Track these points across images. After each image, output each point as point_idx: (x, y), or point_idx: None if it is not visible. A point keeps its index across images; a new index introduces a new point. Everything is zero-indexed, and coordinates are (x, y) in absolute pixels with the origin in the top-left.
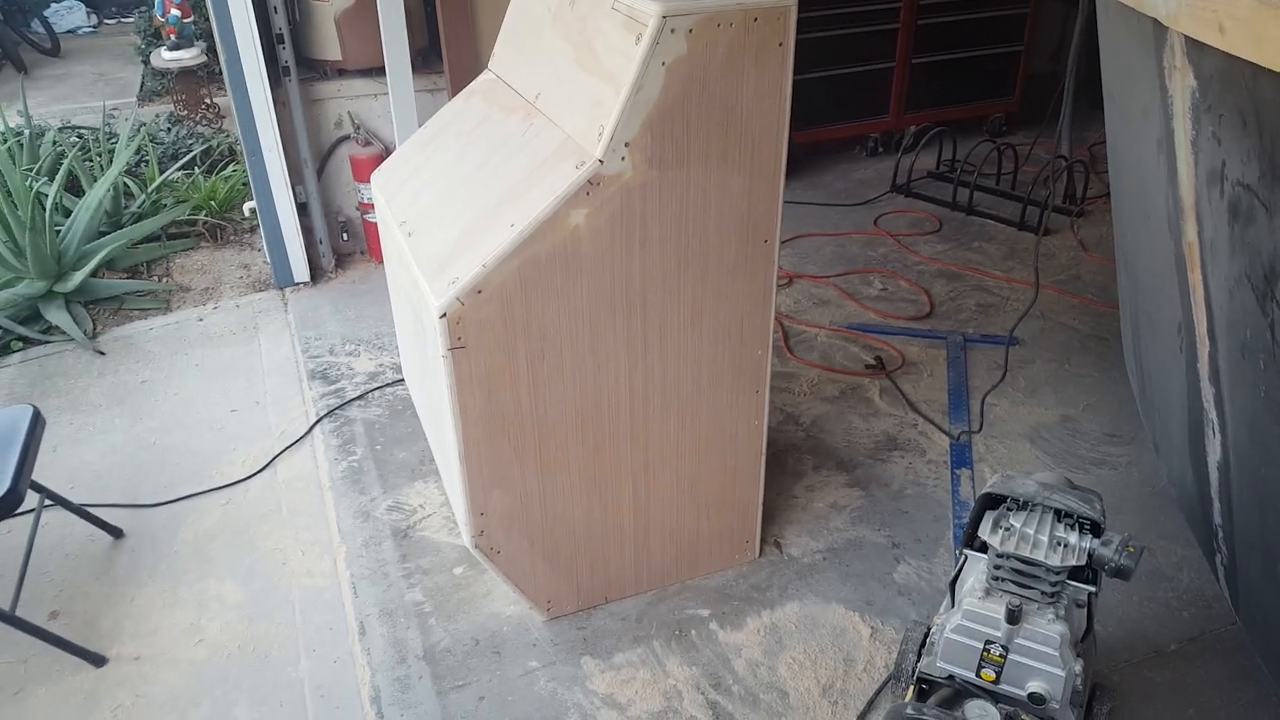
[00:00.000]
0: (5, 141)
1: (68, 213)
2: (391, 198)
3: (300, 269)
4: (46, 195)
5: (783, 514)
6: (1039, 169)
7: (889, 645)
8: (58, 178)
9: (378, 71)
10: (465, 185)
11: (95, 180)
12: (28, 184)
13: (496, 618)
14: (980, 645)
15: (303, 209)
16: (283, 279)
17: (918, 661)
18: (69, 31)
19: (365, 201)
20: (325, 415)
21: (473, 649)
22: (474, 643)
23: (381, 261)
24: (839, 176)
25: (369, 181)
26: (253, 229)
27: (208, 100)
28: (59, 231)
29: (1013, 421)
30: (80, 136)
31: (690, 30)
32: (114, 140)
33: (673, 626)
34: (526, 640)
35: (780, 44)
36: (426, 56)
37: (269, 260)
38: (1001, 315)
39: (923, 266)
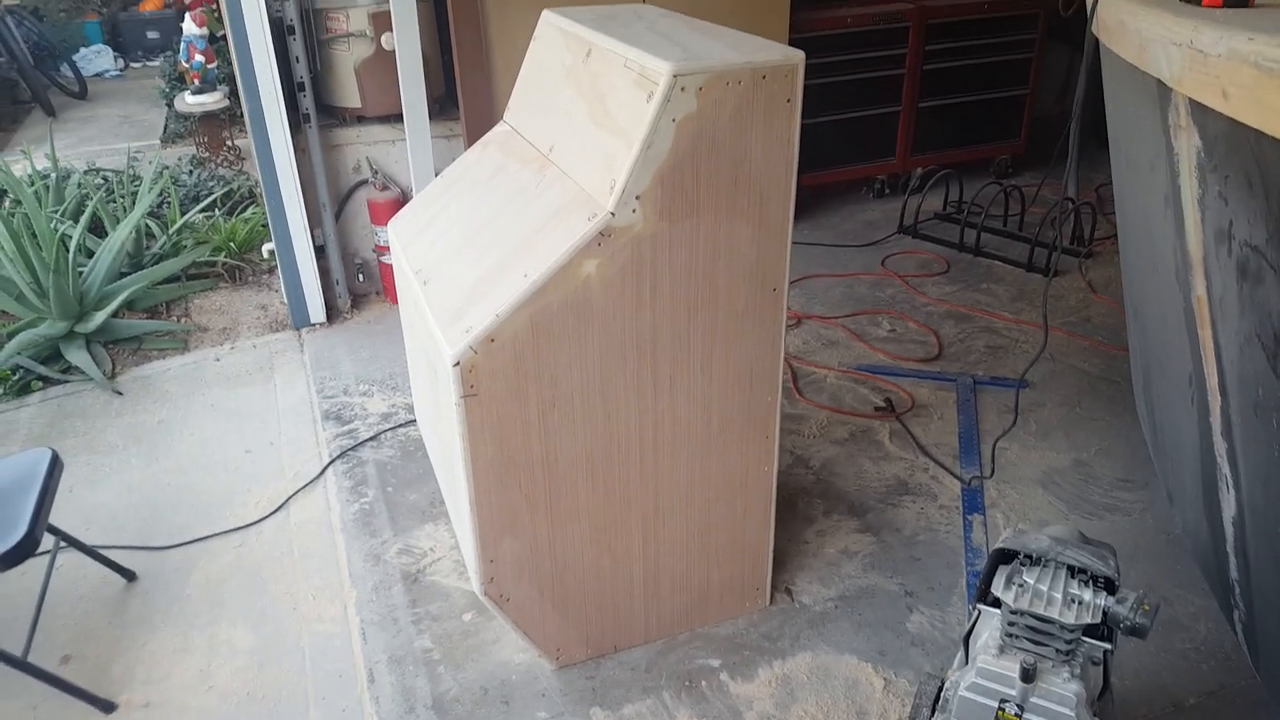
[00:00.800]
0: (32, 184)
1: (90, 253)
2: (408, 245)
3: (317, 310)
4: (70, 237)
5: (794, 560)
6: (1046, 210)
7: (903, 697)
8: (82, 220)
9: (395, 118)
10: (480, 234)
11: (118, 222)
12: (52, 226)
13: (505, 666)
14: (995, 704)
15: (320, 251)
16: (299, 320)
17: (931, 717)
18: (96, 75)
19: (381, 244)
20: (338, 456)
21: (481, 698)
22: (483, 691)
23: (396, 302)
24: (846, 218)
25: (385, 224)
26: (271, 270)
27: (229, 143)
28: (81, 273)
29: (1024, 466)
30: (105, 179)
31: (700, 88)
32: (137, 182)
33: (683, 677)
34: (535, 690)
35: (788, 100)
36: (443, 104)
37: (286, 301)
38: (1011, 357)
39: (931, 308)
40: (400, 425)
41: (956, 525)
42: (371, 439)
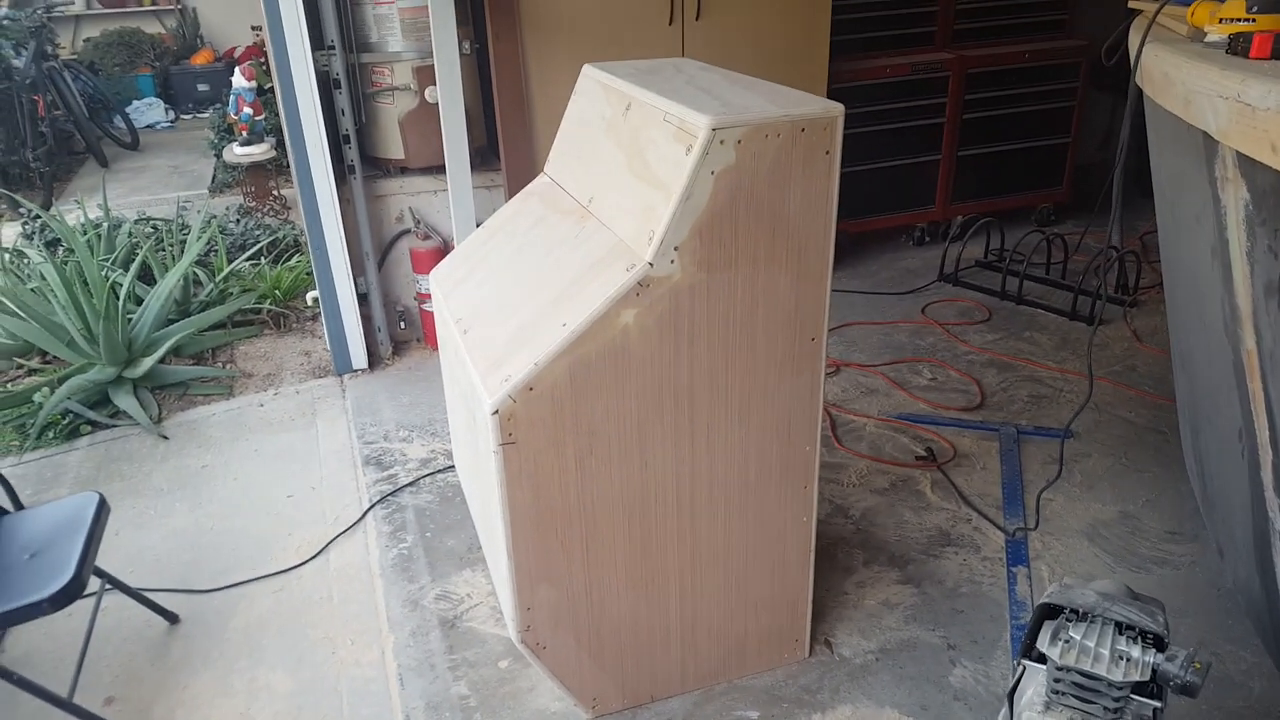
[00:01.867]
0: (85, 234)
1: (139, 301)
2: (449, 294)
3: (359, 356)
4: (121, 285)
5: (833, 611)
6: (1089, 258)
7: None
8: (132, 268)
9: (438, 169)
10: (520, 284)
11: (167, 269)
12: (103, 274)
13: (541, 714)
14: None
15: (363, 299)
16: (342, 366)
17: None
18: (148, 126)
19: (423, 292)
20: (378, 501)
21: None
22: None
23: (436, 349)
24: (885, 265)
25: (427, 273)
26: (314, 317)
27: (275, 192)
28: (130, 319)
29: (1069, 517)
30: (154, 228)
31: (739, 141)
32: (186, 231)
33: None
34: None
35: (827, 152)
36: (485, 155)
37: (329, 348)
38: (1055, 407)
39: (972, 356)
40: (439, 471)
41: (1000, 577)
42: (411, 484)
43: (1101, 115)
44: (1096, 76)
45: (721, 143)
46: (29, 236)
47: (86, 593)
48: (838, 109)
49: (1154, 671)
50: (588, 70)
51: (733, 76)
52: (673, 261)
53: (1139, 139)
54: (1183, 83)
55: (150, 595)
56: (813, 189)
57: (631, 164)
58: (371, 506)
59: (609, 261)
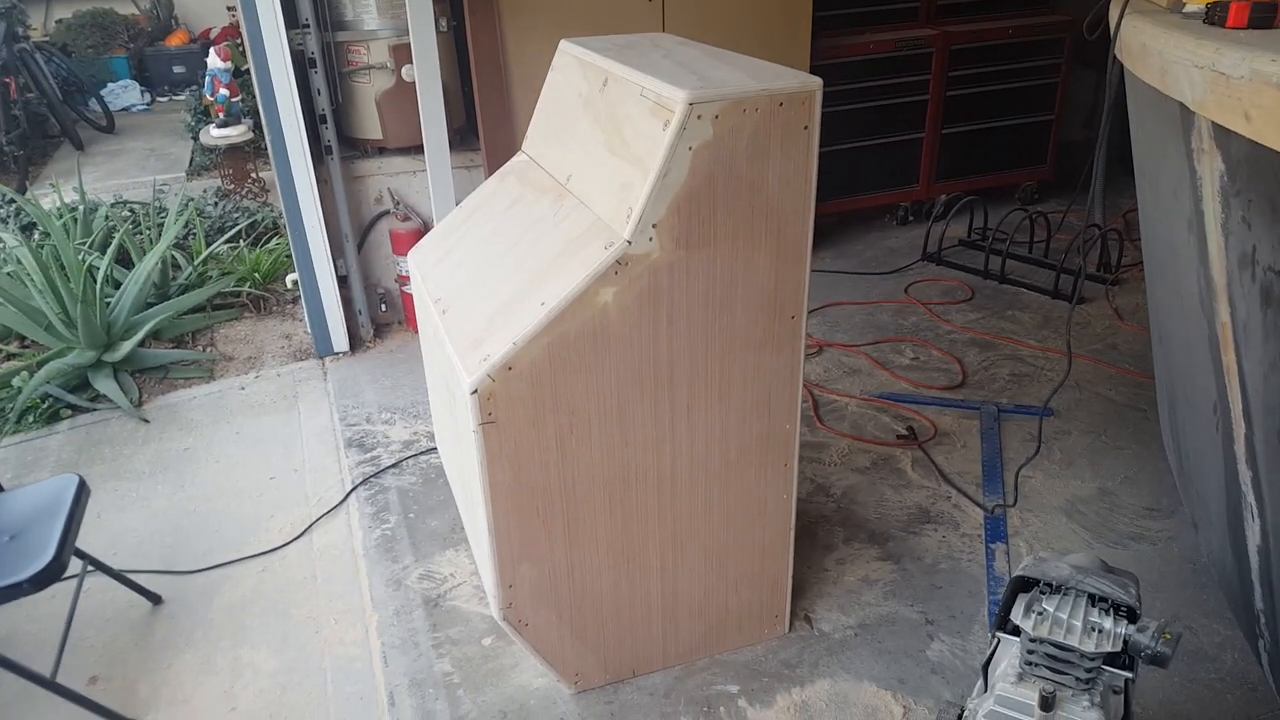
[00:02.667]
0: (61, 217)
1: (117, 284)
2: (428, 275)
3: (340, 339)
4: (98, 268)
5: (813, 587)
6: (1072, 237)
7: None
8: (109, 251)
9: (416, 150)
10: (498, 263)
11: (145, 253)
12: (80, 257)
13: (524, 690)
14: None
15: (343, 281)
16: (323, 349)
17: None
18: (124, 109)
19: (403, 274)
20: (361, 483)
21: None
22: (501, 715)
23: (418, 331)
24: (869, 245)
25: (407, 255)
26: (294, 300)
27: (253, 175)
28: (109, 303)
29: (1048, 494)
30: (131, 211)
31: (716, 116)
32: (163, 214)
33: (701, 703)
34: (554, 714)
35: (805, 127)
36: (464, 135)
37: (310, 330)
38: (1036, 385)
39: (955, 335)
40: (422, 453)
41: (979, 554)
42: (393, 466)
43: (1085, 92)
44: (1080, 52)
45: (699, 118)
46: (3, 221)
47: (68, 574)
48: (816, 83)
49: (1125, 643)
50: (564, 46)
51: (711, 51)
52: (651, 239)
53: (1121, 116)
54: (1159, 53)
55: (133, 577)
56: (791, 164)
57: (609, 141)
58: (354, 488)
59: (587, 240)
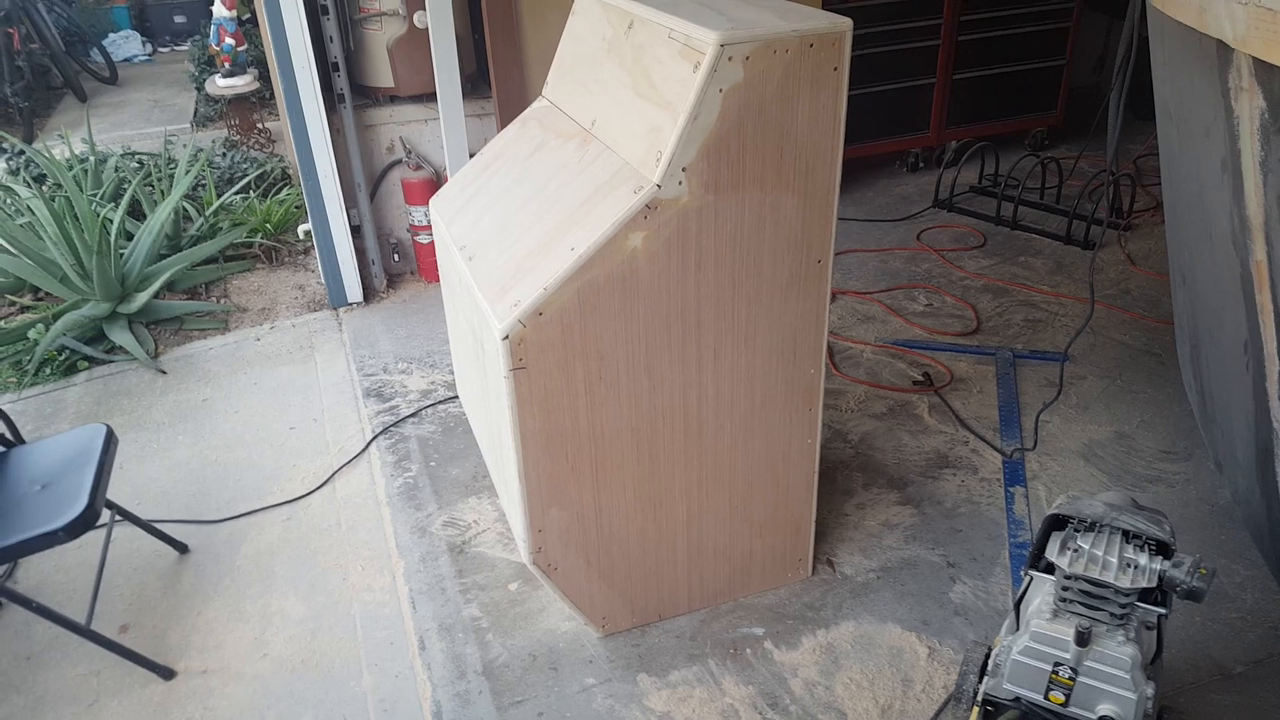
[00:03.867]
0: (72, 169)
1: (130, 236)
2: (451, 222)
3: (354, 289)
4: (111, 220)
5: (834, 532)
6: (1084, 183)
7: (947, 666)
8: (122, 203)
9: (428, 98)
10: (523, 210)
11: (156, 205)
12: (93, 209)
13: (552, 634)
14: (1049, 667)
15: (356, 231)
16: (337, 299)
17: (980, 683)
18: (125, 60)
19: (416, 224)
20: (381, 432)
21: (530, 665)
22: (531, 658)
23: (431, 281)
24: (880, 192)
25: (420, 204)
26: (306, 251)
27: (260, 125)
28: (122, 255)
29: (1065, 438)
30: (140, 163)
31: (747, 58)
32: (173, 166)
33: (727, 645)
34: (582, 656)
35: (835, 68)
36: (475, 82)
37: (323, 281)
38: (1050, 331)
39: (968, 282)
40: (440, 402)
41: (998, 497)
42: (412, 415)
43: (1096, 37)
44: None
45: (730, 59)
46: (14, 172)
47: (97, 524)
48: (846, 23)
49: (1160, 578)
50: None
51: None
52: (680, 183)
53: (1137, 60)
54: None
55: (159, 526)
56: (821, 106)
57: (636, 84)
58: (375, 437)
59: (615, 184)
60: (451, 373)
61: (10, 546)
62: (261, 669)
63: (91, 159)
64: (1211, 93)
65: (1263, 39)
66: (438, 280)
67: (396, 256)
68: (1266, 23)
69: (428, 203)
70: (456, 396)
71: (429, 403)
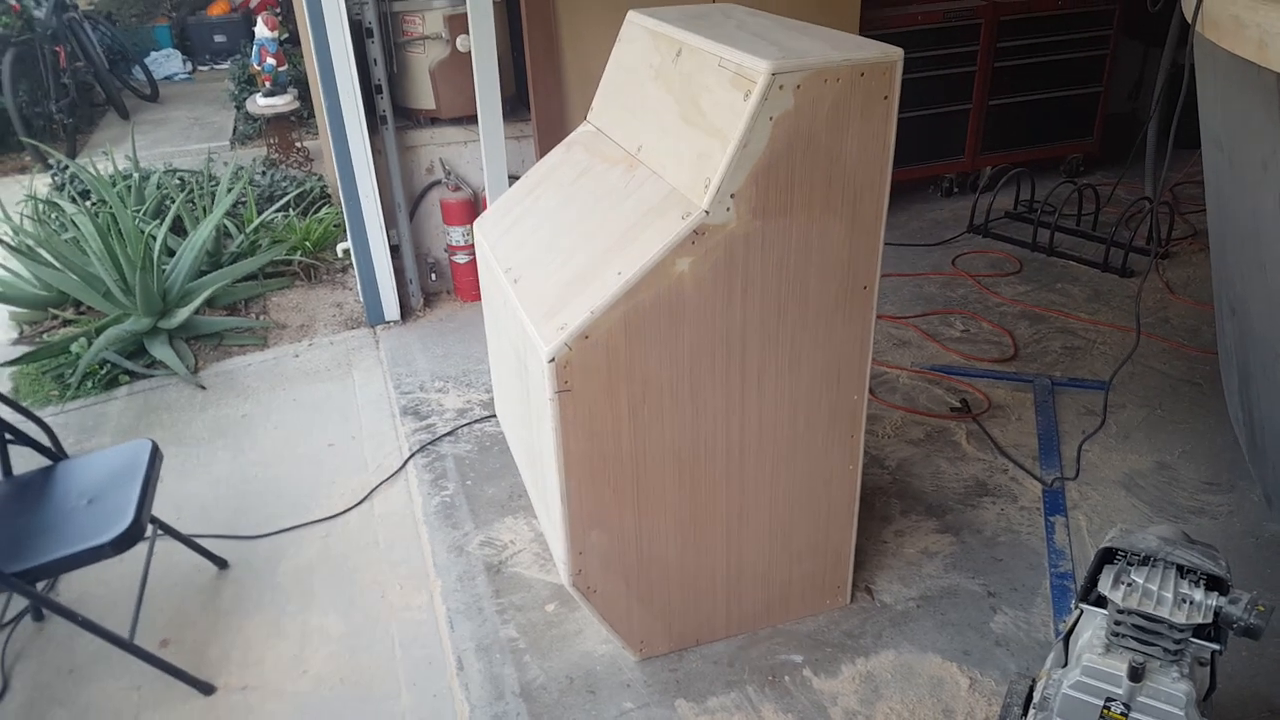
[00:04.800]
0: (115, 185)
1: (171, 253)
2: (495, 244)
3: (391, 308)
4: (155, 236)
5: (872, 559)
6: (1121, 210)
7: (989, 697)
8: (166, 219)
9: (468, 120)
10: (569, 233)
11: (197, 221)
12: (136, 224)
13: (589, 656)
14: (1100, 703)
15: (395, 250)
16: (374, 317)
17: (1025, 717)
18: (166, 78)
19: (453, 244)
20: (418, 450)
21: (568, 687)
22: (568, 681)
23: (467, 300)
24: (914, 216)
25: (458, 224)
26: (344, 269)
27: (299, 144)
28: (164, 271)
29: (1105, 468)
30: (182, 180)
31: (798, 86)
32: (214, 183)
33: (766, 671)
34: (620, 680)
35: (885, 97)
36: (514, 105)
37: (361, 299)
38: (1088, 358)
39: (1005, 308)
40: (476, 421)
41: (1038, 527)
42: (449, 434)
43: (1132, 64)
44: (1128, 24)
45: (781, 88)
46: (59, 188)
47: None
48: (896, 53)
49: (1216, 614)
50: (633, 16)
51: (783, 21)
52: (729, 209)
53: (1173, 87)
54: (1257, 25)
55: (199, 541)
56: (870, 135)
57: (684, 111)
58: (412, 455)
59: (663, 210)
60: (488, 392)
61: (58, 560)
62: (301, 686)
63: (135, 175)
64: (1271, 126)
65: None
66: (474, 299)
67: (434, 276)
68: None
69: (466, 223)
70: (493, 416)
71: (465, 421)
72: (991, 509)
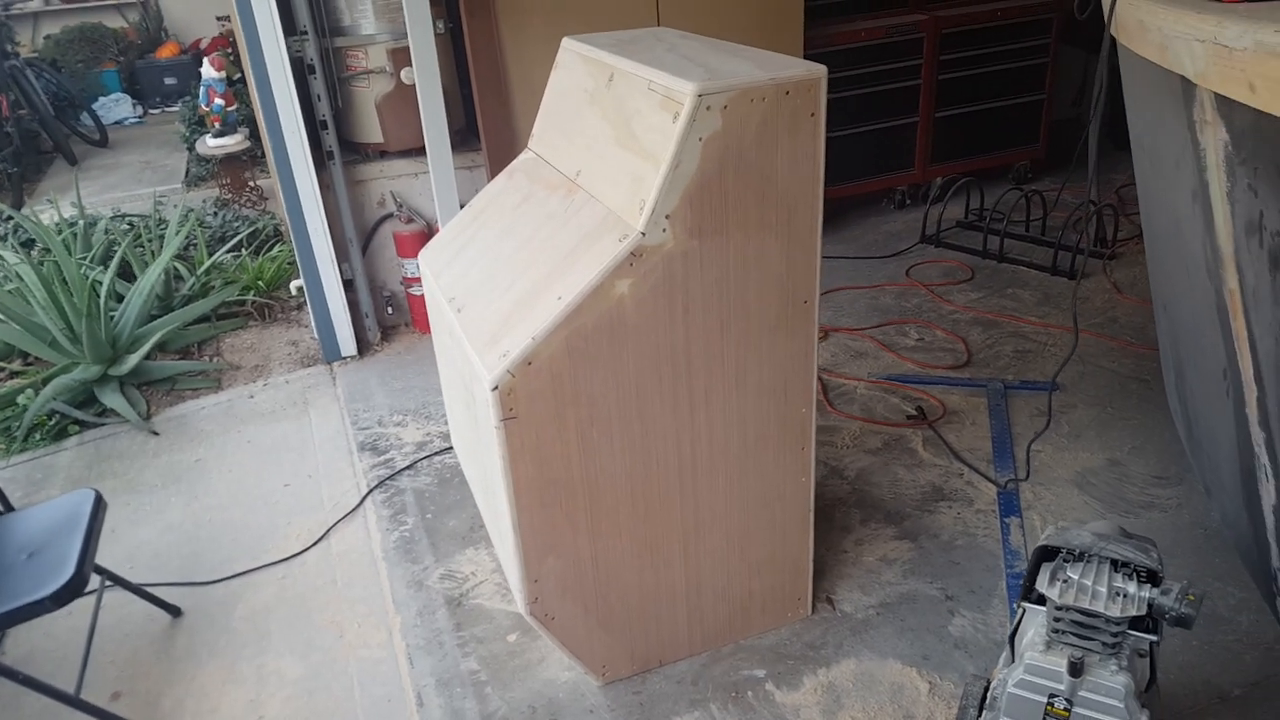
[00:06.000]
0: (60, 232)
1: (120, 298)
2: (439, 274)
3: (347, 343)
4: (100, 282)
5: (833, 569)
6: (1068, 214)
7: (948, 700)
8: (111, 265)
9: (418, 152)
10: (511, 260)
11: (146, 266)
12: (82, 272)
13: (552, 684)
14: (1044, 699)
15: (349, 285)
16: (330, 354)
17: (979, 717)
18: (116, 123)
19: (409, 276)
20: (376, 486)
21: (529, 717)
22: (531, 710)
23: (425, 332)
24: (868, 229)
25: (412, 256)
26: (299, 306)
27: (252, 183)
28: (113, 317)
29: (1058, 468)
30: (131, 224)
31: (725, 106)
32: (164, 226)
33: (729, 688)
34: (583, 706)
35: (812, 114)
36: (464, 136)
37: (317, 336)
38: (1040, 361)
39: (958, 315)
40: (436, 453)
41: (994, 529)
42: (408, 468)
43: (1074, 71)
44: (1068, 32)
45: (708, 108)
46: (2, 239)
47: (87, 590)
48: (820, 70)
49: (1150, 606)
50: (567, 43)
51: (713, 43)
52: (664, 230)
53: (1113, 92)
54: (1158, 29)
55: (151, 589)
56: (800, 151)
57: (618, 135)
58: (370, 491)
59: (600, 233)
60: (446, 423)
61: None
62: None
63: (81, 222)
64: (1179, 126)
65: (1221, 75)
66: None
67: (390, 309)
68: (1223, 59)
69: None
70: (451, 448)
71: (424, 455)
72: (948, 513)
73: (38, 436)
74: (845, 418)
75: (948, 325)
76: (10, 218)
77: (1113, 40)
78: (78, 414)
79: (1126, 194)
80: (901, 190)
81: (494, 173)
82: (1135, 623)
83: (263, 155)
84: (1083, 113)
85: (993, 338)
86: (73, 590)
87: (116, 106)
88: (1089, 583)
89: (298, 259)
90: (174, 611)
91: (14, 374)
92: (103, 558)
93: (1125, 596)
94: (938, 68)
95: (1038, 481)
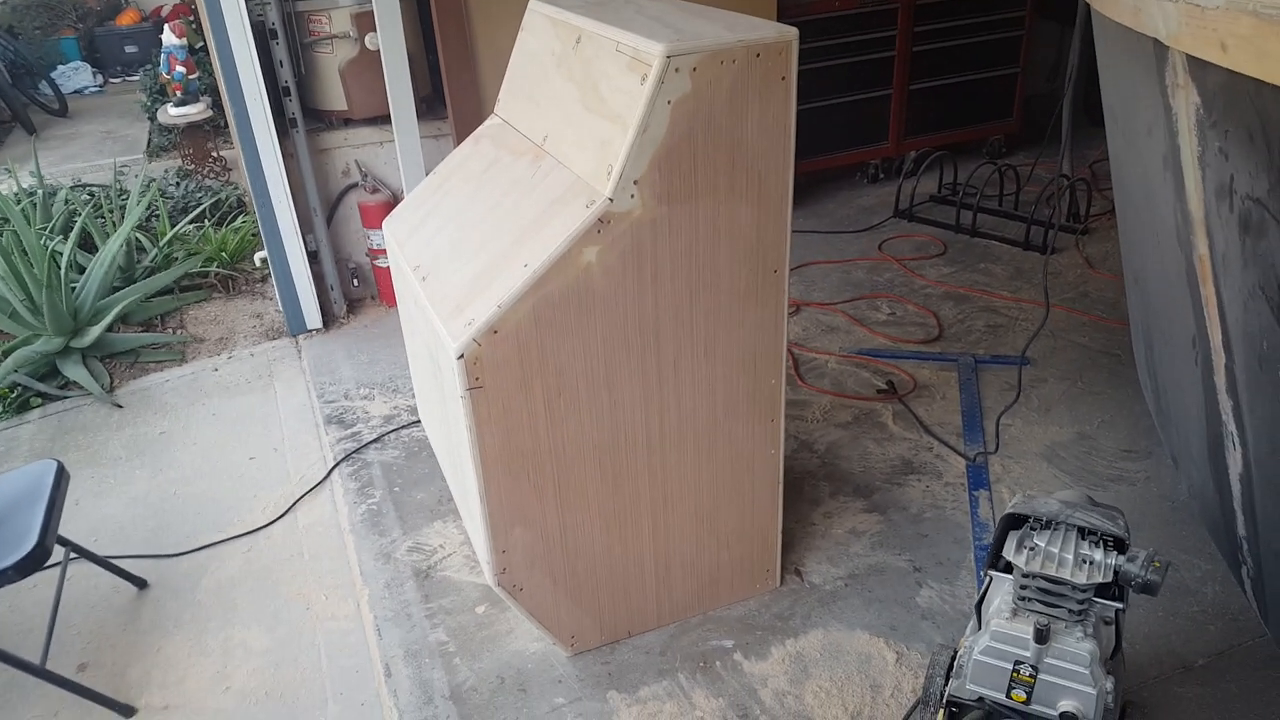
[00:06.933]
0: (19, 202)
1: (82, 269)
2: (404, 243)
3: (313, 316)
4: (61, 253)
5: (802, 541)
6: (1041, 188)
7: (915, 670)
8: (71, 236)
9: (383, 120)
10: (477, 228)
11: (108, 236)
12: (42, 243)
13: (521, 655)
14: (1010, 666)
15: (313, 257)
16: (295, 326)
17: (946, 685)
18: (75, 92)
19: (375, 247)
20: (343, 459)
21: (498, 687)
22: (499, 681)
23: (392, 305)
24: (841, 204)
25: (378, 227)
26: (264, 278)
27: (214, 153)
28: (74, 288)
29: (1028, 441)
30: (91, 194)
31: (694, 69)
32: (125, 197)
33: (697, 658)
34: (552, 676)
35: (783, 78)
36: (430, 103)
37: (281, 309)
38: (1011, 335)
39: (930, 290)
40: (403, 427)
41: (963, 501)
42: (375, 441)
43: (1049, 45)
44: (1043, 5)
45: (677, 70)
46: None
47: (51, 562)
48: (792, 33)
49: (1116, 573)
50: (534, 4)
51: (684, 5)
52: (633, 196)
53: (1087, 65)
54: None
55: (116, 562)
56: (770, 116)
57: (585, 98)
58: (336, 464)
59: (568, 199)
60: (414, 397)
61: None
62: (224, 703)
63: (40, 192)
64: (1151, 91)
65: (1193, 35)
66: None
67: (356, 281)
68: (1195, 19)
69: None
70: (419, 421)
71: (392, 428)
72: (917, 486)
73: (0, 409)
74: (816, 391)
75: (919, 300)
76: None
77: (1087, 8)
78: (40, 386)
79: (1100, 169)
80: (874, 164)
81: (461, 141)
82: (1101, 590)
83: (226, 125)
84: (1058, 87)
85: (964, 312)
86: (36, 560)
87: (76, 75)
88: (1055, 550)
89: (261, 230)
90: (140, 584)
91: None
92: (67, 530)
93: (1091, 564)
94: (912, 39)
95: (1007, 455)
